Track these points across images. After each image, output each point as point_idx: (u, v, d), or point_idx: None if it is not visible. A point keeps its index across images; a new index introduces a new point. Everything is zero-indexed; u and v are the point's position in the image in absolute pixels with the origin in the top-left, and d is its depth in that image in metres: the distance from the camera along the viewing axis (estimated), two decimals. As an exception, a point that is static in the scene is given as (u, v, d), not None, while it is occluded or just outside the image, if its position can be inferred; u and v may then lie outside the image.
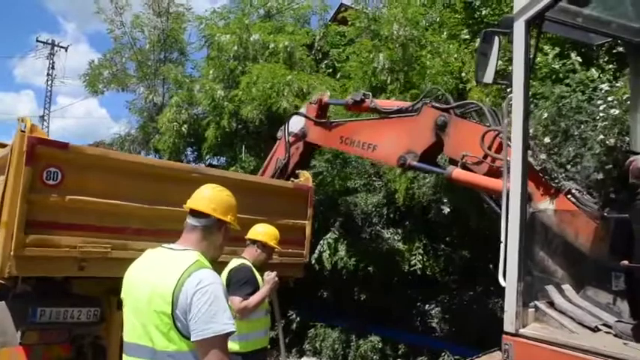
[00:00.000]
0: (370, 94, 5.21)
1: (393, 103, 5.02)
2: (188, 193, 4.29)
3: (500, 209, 3.00)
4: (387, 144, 4.67)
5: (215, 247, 2.34)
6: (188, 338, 1.99)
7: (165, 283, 2.02)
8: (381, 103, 5.08)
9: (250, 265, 3.92)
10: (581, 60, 5.16)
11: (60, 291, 4.31)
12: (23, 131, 3.62)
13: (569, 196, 3.35)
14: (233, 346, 3.73)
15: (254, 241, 4.04)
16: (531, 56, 3.03)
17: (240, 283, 3.76)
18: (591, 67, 5.10)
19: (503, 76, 4.31)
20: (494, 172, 3.74)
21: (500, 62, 5.02)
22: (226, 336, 2.01)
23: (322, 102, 5.56)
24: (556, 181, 3.50)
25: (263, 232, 4.08)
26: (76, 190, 3.76)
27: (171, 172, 4.38)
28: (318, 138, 5.46)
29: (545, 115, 4.47)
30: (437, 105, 4.41)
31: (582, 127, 4.43)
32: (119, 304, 4.30)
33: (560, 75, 5.23)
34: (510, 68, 2.90)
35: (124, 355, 2.16)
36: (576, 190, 3.44)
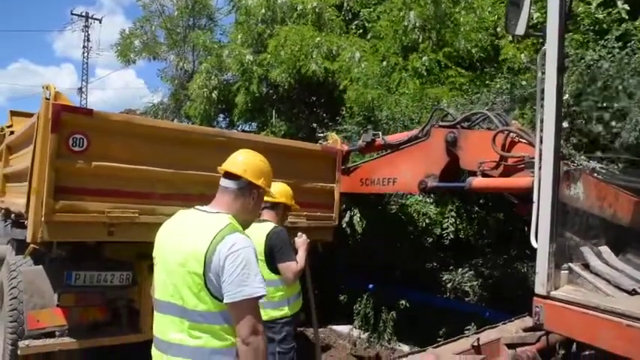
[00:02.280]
0: (380, 132, 5.38)
1: (403, 135, 5.11)
2: (213, 156, 4.28)
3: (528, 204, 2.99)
4: (405, 174, 4.76)
5: (247, 211, 2.34)
6: (218, 299, 2.04)
7: (198, 245, 2.06)
8: (391, 137, 5.21)
9: None
10: (628, 8, 4.81)
11: (93, 256, 4.43)
12: (48, 99, 3.64)
13: (594, 174, 3.25)
14: (275, 312, 3.71)
15: (275, 203, 3.85)
16: (567, 3, 2.81)
17: (287, 247, 3.67)
18: (640, 16, 4.76)
19: (539, 28, 4.09)
20: (512, 171, 3.75)
21: (538, 14, 4.79)
22: (257, 299, 2.05)
23: (343, 152, 5.56)
24: (575, 164, 3.45)
25: (282, 192, 3.89)
26: (102, 156, 3.78)
27: (196, 137, 4.36)
28: (341, 187, 5.45)
29: (566, 95, 4.30)
30: (444, 124, 4.50)
31: (625, 83, 4.19)
32: (150, 268, 4.41)
33: (605, 26, 4.90)
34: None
35: (155, 312, 2.23)
36: (601, 167, 3.37)
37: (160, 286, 2.20)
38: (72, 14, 35.66)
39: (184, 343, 2.06)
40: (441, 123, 4.56)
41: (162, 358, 2.13)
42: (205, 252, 2.02)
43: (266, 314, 3.51)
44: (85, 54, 34.94)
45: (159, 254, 2.26)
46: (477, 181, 3.94)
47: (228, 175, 2.33)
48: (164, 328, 2.14)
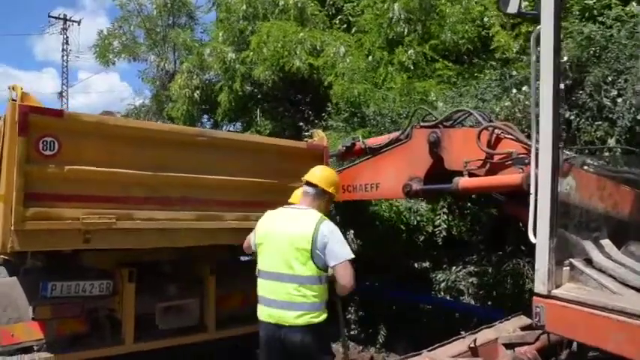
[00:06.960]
0: (359, 136, 5.26)
1: (384, 138, 4.91)
2: (194, 157, 4.14)
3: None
4: (388, 178, 4.54)
5: (321, 209, 3.30)
6: (319, 267, 3.06)
7: (305, 229, 3.08)
8: (371, 141, 5.03)
9: None
10: (619, -7, 4.71)
11: (70, 265, 4.22)
12: (14, 100, 3.42)
13: (585, 167, 3.10)
14: None
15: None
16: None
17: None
18: (631, 1, 4.65)
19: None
20: (499, 169, 3.58)
21: (526, 2, 4.65)
22: (352, 261, 3.09)
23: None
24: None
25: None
26: (75, 160, 3.56)
27: (175, 137, 4.14)
28: None
29: (565, 58, 4.17)
30: (425, 124, 4.30)
31: (632, 61, 4.10)
32: (130, 276, 4.22)
33: (595, 12, 4.79)
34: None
35: (264, 281, 3.20)
36: (591, 160, 3.25)
37: (270, 261, 3.17)
38: (50, 17, 35.07)
39: (293, 300, 3.04)
40: (422, 123, 4.36)
41: (272, 312, 3.11)
42: (312, 233, 3.05)
43: None
44: (65, 57, 34.41)
45: (267, 238, 3.23)
46: (464, 181, 3.76)
47: (309, 184, 3.34)
48: (276, 290, 3.10)
